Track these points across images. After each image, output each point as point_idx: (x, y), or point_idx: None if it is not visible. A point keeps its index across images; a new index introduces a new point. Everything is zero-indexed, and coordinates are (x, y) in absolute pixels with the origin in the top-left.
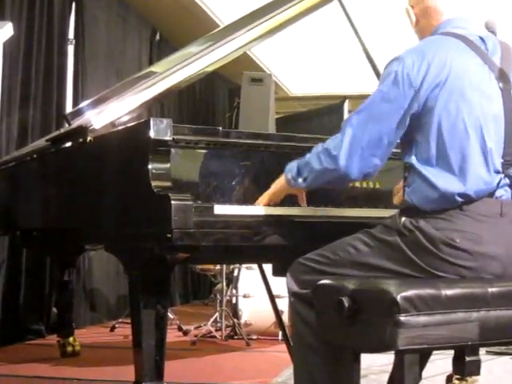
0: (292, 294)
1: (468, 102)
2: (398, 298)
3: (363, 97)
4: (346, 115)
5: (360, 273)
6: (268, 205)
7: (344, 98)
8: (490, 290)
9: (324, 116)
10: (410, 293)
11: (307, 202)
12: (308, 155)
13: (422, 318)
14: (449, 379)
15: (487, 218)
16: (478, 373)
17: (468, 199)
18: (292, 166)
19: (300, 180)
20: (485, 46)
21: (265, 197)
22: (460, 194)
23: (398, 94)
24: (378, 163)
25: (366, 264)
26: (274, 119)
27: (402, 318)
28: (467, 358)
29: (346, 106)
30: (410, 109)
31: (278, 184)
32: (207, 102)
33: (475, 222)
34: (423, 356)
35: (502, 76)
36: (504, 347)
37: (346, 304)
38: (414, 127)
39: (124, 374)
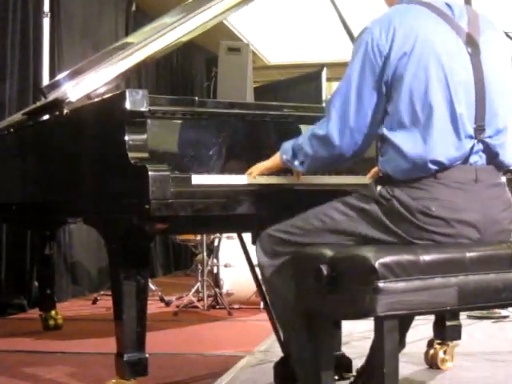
0: (262, 265)
1: (436, 68)
2: (377, 264)
3: (341, 64)
4: (324, 83)
5: (335, 239)
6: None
7: (322, 66)
8: (467, 254)
9: (302, 84)
10: (388, 259)
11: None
12: (301, 139)
13: (401, 284)
14: (430, 344)
15: (462, 185)
16: (458, 337)
17: (441, 166)
18: (287, 148)
19: (297, 163)
20: (451, 12)
21: (258, 169)
22: (432, 161)
23: (371, 66)
24: (369, 138)
25: (342, 231)
26: (252, 88)
27: (381, 284)
28: (448, 323)
29: (324, 73)
30: (383, 79)
31: (274, 162)
32: (185, 72)
33: (450, 190)
34: (405, 323)
35: (469, 41)
36: (485, 311)
37: (325, 271)
38: (389, 98)
39: (107, 346)
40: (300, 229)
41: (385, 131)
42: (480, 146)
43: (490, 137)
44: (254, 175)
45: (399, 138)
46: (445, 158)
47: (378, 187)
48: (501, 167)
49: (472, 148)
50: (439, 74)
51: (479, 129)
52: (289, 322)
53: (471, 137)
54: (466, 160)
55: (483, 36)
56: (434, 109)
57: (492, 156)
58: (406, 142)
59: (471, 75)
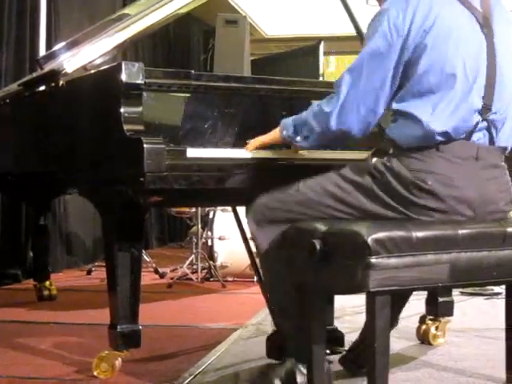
0: (254, 235)
1: (454, 44)
2: (369, 240)
3: (339, 38)
4: (321, 57)
5: (330, 210)
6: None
7: (319, 39)
8: (460, 232)
9: (299, 58)
10: (380, 235)
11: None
12: (304, 114)
13: (393, 260)
14: (422, 320)
15: (461, 161)
16: (450, 314)
17: (446, 137)
18: (288, 124)
19: (299, 138)
20: None
21: (254, 143)
22: (439, 133)
23: (388, 46)
24: (376, 117)
25: (337, 201)
26: (249, 61)
27: (373, 260)
28: (440, 299)
29: (322, 47)
30: (401, 59)
31: (273, 137)
32: (182, 45)
33: (449, 164)
34: (401, 300)
35: (484, 22)
36: (478, 288)
37: (318, 246)
38: (406, 74)
39: (100, 318)
40: (293, 198)
41: (399, 105)
42: (484, 124)
43: (494, 113)
44: (251, 150)
45: (412, 107)
46: (451, 127)
47: (374, 160)
48: (502, 149)
49: (477, 124)
50: (456, 50)
51: (486, 107)
52: (281, 295)
53: (479, 111)
54: (469, 136)
55: (494, 15)
56: (449, 81)
57: (495, 133)
58: (418, 108)
59: (485, 54)
